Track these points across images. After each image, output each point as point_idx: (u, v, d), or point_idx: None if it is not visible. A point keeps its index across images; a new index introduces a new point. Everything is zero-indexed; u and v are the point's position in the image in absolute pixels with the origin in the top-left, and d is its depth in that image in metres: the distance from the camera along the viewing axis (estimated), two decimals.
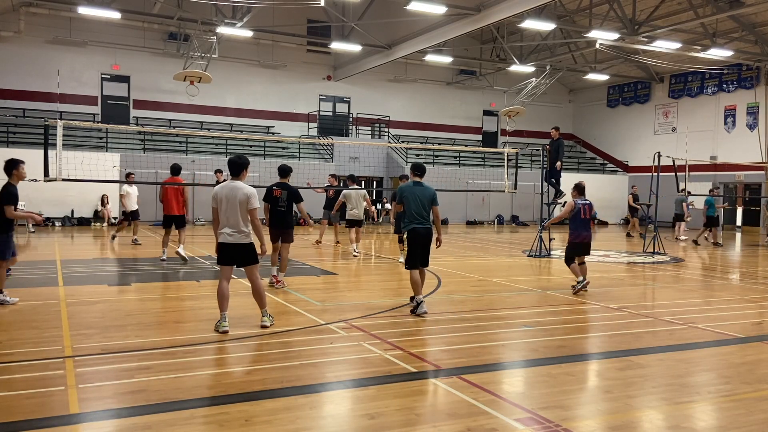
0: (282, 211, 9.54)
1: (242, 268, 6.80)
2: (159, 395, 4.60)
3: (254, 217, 6.61)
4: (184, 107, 27.18)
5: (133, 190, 16.43)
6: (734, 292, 10.46)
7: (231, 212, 6.56)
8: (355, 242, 14.29)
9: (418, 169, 8.13)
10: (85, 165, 15.24)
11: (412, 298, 7.91)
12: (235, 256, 6.66)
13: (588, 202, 9.77)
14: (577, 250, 9.66)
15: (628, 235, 22.95)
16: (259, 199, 7.00)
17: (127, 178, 16.56)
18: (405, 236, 8.22)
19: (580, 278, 9.46)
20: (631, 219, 23.05)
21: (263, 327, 6.71)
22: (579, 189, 9.80)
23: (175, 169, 12.85)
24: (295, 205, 9.68)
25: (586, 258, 9.87)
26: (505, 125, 30.99)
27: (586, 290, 9.56)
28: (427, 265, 8.04)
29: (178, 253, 12.18)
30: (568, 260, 9.71)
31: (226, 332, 6.46)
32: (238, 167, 6.72)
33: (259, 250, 6.69)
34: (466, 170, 29.17)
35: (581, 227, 9.65)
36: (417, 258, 7.89)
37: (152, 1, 24.17)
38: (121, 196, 16.50)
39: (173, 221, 12.70)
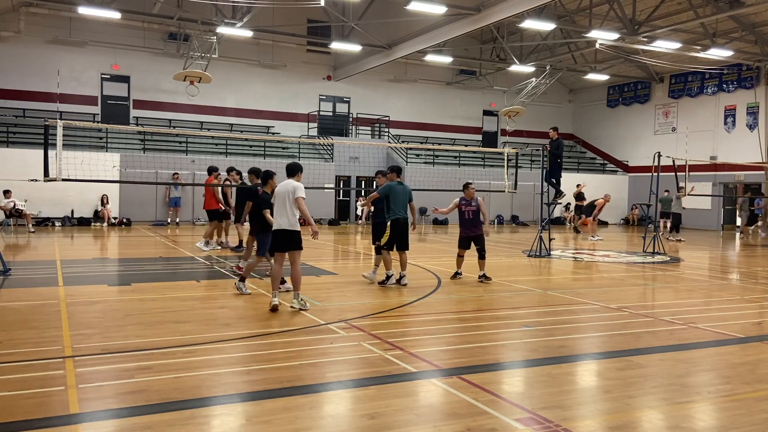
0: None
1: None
2: (159, 395, 4.60)
3: (301, 204, 7.76)
4: (184, 107, 27.16)
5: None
6: (734, 292, 10.46)
7: (282, 204, 7.84)
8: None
9: (400, 171, 10.15)
10: (85, 165, 15.23)
11: (388, 277, 9.74)
12: (285, 241, 7.83)
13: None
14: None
15: (576, 230, 22.86)
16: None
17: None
18: (389, 223, 9.72)
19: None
20: (579, 217, 22.42)
21: (292, 308, 7.65)
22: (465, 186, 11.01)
23: (209, 170, 14.67)
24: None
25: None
26: (505, 125, 30.99)
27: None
28: (407, 249, 9.97)
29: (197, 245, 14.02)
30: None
31: (275, 307, 7.63)
32: (293, 169, 8.08)
33: (311, 235, 8.02)
34: (466, 170, 29.13)
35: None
36: (396, 242, 9.77)
37: (152, 1, 24.16)
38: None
39: (208, 215, 14.54)
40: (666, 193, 20.99)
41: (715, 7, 21.42)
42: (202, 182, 17.92)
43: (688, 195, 20.24)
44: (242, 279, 9.05)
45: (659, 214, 21.89)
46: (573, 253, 16.11)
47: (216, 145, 26.45)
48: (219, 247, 14.30)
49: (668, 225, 21.70)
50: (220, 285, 10.04)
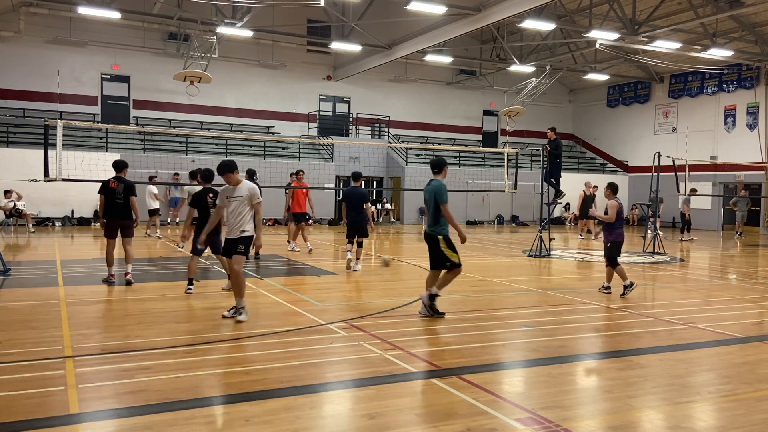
0: (119, 204, 9.62)
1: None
2: (159, 395, 4.60)
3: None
4: (184, 107, 27.15)
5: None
6: (734, 292, 10.46)
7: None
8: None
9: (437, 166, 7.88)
10: (85, 165, 15.24)
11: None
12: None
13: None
14: (620, 250, 9.64)
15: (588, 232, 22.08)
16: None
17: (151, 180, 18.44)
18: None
19: (628, 281, 9.39)
20: (582, 220, 21.58)
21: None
22: (613, 189, 9.74)
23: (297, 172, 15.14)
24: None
25: None
26: (505, 125, 30.99)
27: (609, 292, 9.55)
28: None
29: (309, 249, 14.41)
30: (614, 261, 9.50)
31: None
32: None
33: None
34: (466, 170, 29.15)
35: (622, 227, 9.68)
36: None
37: (152, 1, 24.16)
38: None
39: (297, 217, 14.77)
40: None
41: (715, 7, 21.41)
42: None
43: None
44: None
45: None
46: (573, 253, 16.11)
47: (216, 145, 26.45)
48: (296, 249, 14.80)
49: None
50: (219, 285, 10.03)
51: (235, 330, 6.66)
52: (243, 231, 7.03)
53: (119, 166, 9.84)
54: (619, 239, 9.56)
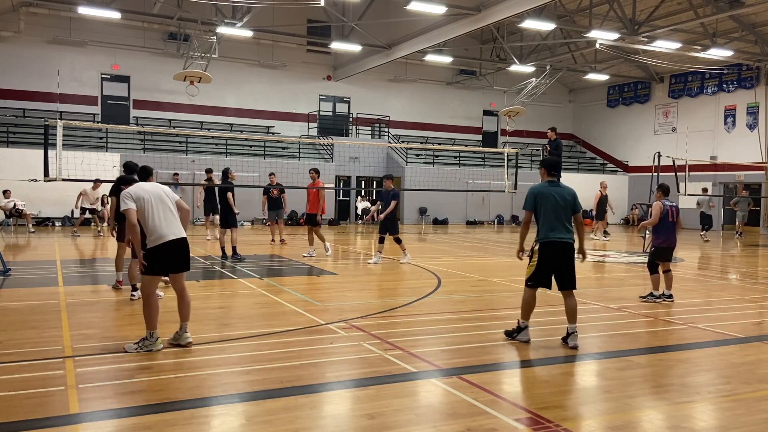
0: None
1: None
2: (159, 395, 4.60)
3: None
4: (184, 107, 27.15)
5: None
6: (734, 292, 10.46)
7: None
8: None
9: (553, 167, 7.01)
10: (85, 165, 15.25)
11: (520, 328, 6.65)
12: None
13: (675, 204, 9.12)
14: (664, 255, 9.10)
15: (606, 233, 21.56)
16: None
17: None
18: (536, 248, 6.71)
19: (658, 292, 9.01)
20: (599, 220, 20.98)
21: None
22: (664, 190, 9.13)
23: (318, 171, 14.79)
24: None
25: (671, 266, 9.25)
26: (505, 125, 31.00)
27: (671, 300, 8.99)
28: (574, 287, 6.55)
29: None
30: (653, 267, 9.06)
31: None
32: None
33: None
34: (466, 170, 29.16)
35: (669, 231, 8.98)
36: (548, 275, 6.54)
37: (152, 1, 24.16)
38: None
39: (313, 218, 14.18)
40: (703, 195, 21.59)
41: (715, 7, 21.41)
42: (201, 182, 17.94)
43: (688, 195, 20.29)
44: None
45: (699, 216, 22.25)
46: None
47: (216, 145, 26.45)
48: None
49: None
50: (220, 285, 10.04)
51: (235, 330, 6.66)
52: (145, 245, 5.97)
53: (132, 168, 9.27)
54: (663, 245, 8.95)
